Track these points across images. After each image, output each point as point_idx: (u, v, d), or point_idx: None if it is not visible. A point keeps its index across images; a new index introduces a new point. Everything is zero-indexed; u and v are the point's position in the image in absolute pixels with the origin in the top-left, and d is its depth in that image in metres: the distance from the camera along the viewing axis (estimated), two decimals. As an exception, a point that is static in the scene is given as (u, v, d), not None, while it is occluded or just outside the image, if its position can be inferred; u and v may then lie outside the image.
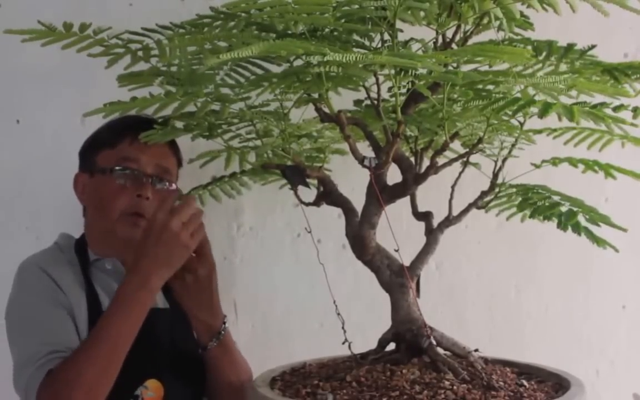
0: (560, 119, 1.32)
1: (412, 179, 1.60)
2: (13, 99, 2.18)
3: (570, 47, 1.48)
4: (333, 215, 1.98)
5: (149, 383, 1.73)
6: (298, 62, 1.43)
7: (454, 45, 1.52)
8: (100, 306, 1.73)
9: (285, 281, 2.35)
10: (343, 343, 1.70)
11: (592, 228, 1.43)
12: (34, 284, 1.71)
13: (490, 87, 1.47)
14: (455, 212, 1.67)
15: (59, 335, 1.65)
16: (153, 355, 1.75)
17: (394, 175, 1.63)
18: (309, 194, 1.70)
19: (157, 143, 1.70)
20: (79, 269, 1.76)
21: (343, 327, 1.71)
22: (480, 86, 1.47)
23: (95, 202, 1.78)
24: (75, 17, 1.60)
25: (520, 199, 1.59)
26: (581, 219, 1.42)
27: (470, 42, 1.54)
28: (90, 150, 1.81)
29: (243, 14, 1.51)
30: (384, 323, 1.67)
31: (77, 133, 1.88)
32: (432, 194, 1.71)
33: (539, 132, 1.71)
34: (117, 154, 1.77)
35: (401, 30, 1.48)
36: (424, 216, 1.71)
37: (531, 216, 1.54)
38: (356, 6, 1.39)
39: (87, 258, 1.78)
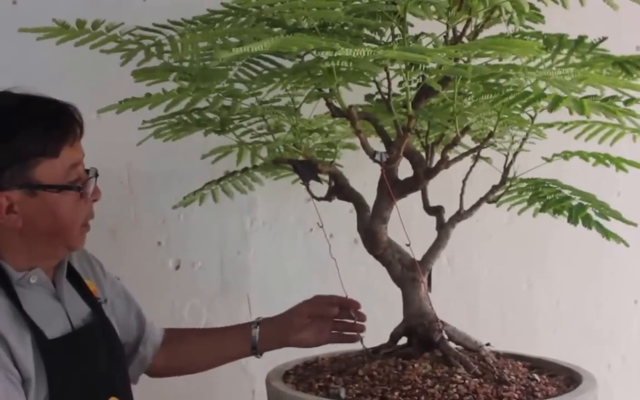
0: (571, 112, 1.32)
1: (423, 174, 1.60)
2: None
3: (580, 40, 1.48)
4: (345, 210, 1.99)
5: None
6: (309, 58, 1.44)
7: (464, 39, 1.52)
8: (45, 336, 1.50)
9: (298, 275, 2.35)
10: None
11: (603, 222, 1.43)
12: None
13: (501, 80, 1.47)
14: (466, 207, 1.68)
15: None
16: (103, 372, 1.60)
17: (405, 169, 1.63)
18: (320, 188, 1.71)
19: (75, 132, 1.55)
20: (3, 294, 1.50)
21: (355, 322, 1.71)
22: (490, 80, 1.47)
23: (47, 221, 1.52)
24: (89, 13, 1.60)
25: (530, 193, 1.59)
26: (591, 212, 1.42)
27: (480, 35, 1.54)
28: (18, 165, 1.48)
29: (254, 10, 1.52)
30: (396, 317, 1.67)
31: (93, 128, 1.89)
32: (443, 189, 1.71)
33: (550, 126, 1.70)
34: (62, 163, 1.51)
35: (411, 25, 1.48)
36: (435, 211, 1.71)
37: (542, 210, 1.54)
38: (366, 1, 1.40)
39: (7, 278, 1.52)
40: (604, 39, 1.49)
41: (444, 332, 1.60)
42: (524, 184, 1.64)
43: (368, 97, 1.78)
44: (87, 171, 1.57)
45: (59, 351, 1.52)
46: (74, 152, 1.53)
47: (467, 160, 1.63)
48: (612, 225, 1.45)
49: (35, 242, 1.54)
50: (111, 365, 1.63)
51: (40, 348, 1.49)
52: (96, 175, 1.58)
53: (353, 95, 1.67)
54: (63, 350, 1.53)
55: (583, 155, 1.60)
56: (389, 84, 1.52)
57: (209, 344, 1.87)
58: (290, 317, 1.79)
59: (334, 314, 1.76)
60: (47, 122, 1.44)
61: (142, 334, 1.82)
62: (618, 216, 1.44)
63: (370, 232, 1.64)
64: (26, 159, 1.49)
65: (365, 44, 1.46)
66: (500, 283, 2.45)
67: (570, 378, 1.59)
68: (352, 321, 1.75)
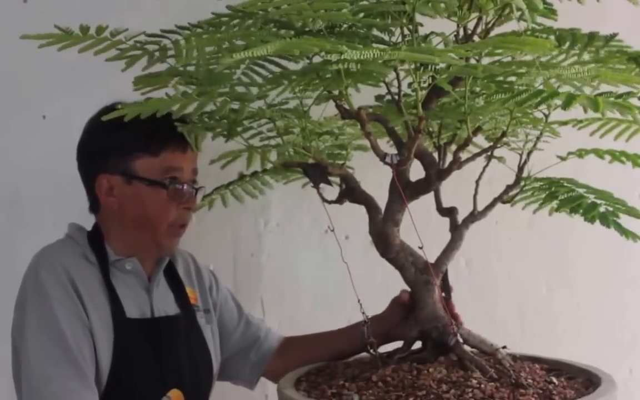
0: (585, 110, 1.29)
1: (436, 175, 1.58)
2: (39, 95, 2.18)
3: (593, 35, 1.45)
4: (361, 211, 1.96)
5: (171, 393, 1.71)
6: (317, 59, 1.42)
7: (475, 38, 1.50)
8: (124, 313, 1.69)
9: (313, 278, 2.34)
10: (368, 342, 1.69)
11: (622, 221, 1.40)
12: (55, 295, 1.64)
13: (513, 79, 1.45)
14: (480, 207, 1.65)
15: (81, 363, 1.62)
16: (173, 365, 1.73)
17: (417, 171, 1.61)
18: (331, 191, 1.69)
19: (177, 141, 1.71)
20: (97, 268, 1.71)
21: (367, 326, 1.70)
22: (502, 79, 1.45)
23: (136, 210, 1.72)
24: (99, 13, 1.60)
25: (545, 192, 1.57)
26: (604, 210, 1.39)
27: (492, 33, 1.52)
28: (122, 154, 1.72)
29: (260, 12, 1.50)
30: (411, 321, 1.65)
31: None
32: (456, 190, 1.69)
33: (565, 123, 1.68)
34: (161, 163, 1.72)
35: (421, 24, 1.46)
36: (449, 212, 1.69)
37: (557, 209, 1.51)
38: (374, 1, 1.38)
39: (105, 256, 1.73)
40: (616, 34, 1.46)
41: (458, 335, 1.58)
42: (539, 184, 1.61)
43: (378, 98, 1.76)
44: (197, 187, 1.77)
45: (130, 329, 1.69)
46: (175, 158, 1.73)
47: (481, 161, 1.61)
48: (632, 224, 1.42)
49: (126, 228, 1.74)
50: (184, 361, 1.75)
51: (115, 321, 1.67)
52: (196, 189, 1.77)
53: (363, 96, 1.65)
54: (134, 330, 1.69)
55: (598, 153, 1.58)
56: (399, 84, 1.50)
57: (326, 347, 1.87)
58: (391, 313, 1.79)
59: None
60: (155, 126, 1.57)
61: (254, 342, 1.95)
62: (635, 213, 1.41)
63: (382, 235, 1.62)
64: (130, 151, 1.72)
65: (374, 45, 1.44)
66: (519, 286, 2.42)
67: (589, 380, 1.56)
68: None
